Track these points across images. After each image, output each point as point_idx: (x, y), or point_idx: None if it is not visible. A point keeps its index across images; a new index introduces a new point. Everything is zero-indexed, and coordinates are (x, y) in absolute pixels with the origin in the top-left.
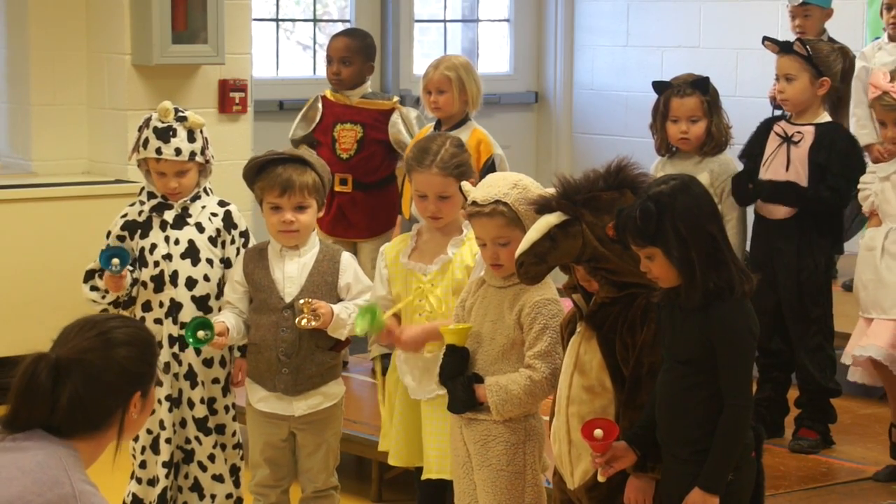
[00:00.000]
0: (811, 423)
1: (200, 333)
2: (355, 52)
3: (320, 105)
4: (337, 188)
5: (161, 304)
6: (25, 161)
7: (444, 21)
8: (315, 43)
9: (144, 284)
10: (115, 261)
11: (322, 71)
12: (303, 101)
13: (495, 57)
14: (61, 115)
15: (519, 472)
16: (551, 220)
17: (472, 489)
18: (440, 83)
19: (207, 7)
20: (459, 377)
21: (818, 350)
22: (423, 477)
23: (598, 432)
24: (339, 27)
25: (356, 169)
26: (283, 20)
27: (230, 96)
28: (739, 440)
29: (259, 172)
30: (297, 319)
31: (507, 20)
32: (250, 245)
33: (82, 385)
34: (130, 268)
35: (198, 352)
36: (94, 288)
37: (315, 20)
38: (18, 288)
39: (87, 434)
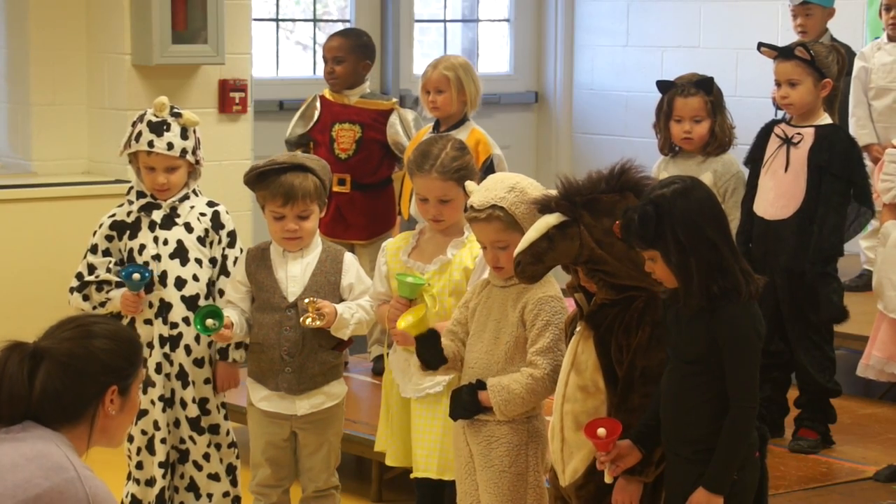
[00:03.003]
0: (811, 423)
1: (209, 322)
2: (348, 51)
3: (318, 104)
4: (335, 188)
5: (151, 305)
6: (25, 161)
7: (444, 21)
8: (315, 43)
9: None
10: (136, 275)
11: (322, 71)
12: (303, 101)
13: (495, 57)
14: (61, 115)
15: (521, 474)
16: (550, 220)
17: (475, 490)
18: (438, 83)
19: (207, 7)
20: (464, 385)
21: (818, 350)
22: (412, 476)
23: (601, 431)
24: (339, 27)
25: (355, 169)
26: (283, 20)
27: (230, 96)
28: (745, 441)
29: (260, 180)
30: (301, 319)
31: (507, 20)
32: (236, 246)
33: (55, 372)
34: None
35: (197, 339)
36: (86, 297)
37: (315, 20)
38: (18, 288)
39: (68, 424)
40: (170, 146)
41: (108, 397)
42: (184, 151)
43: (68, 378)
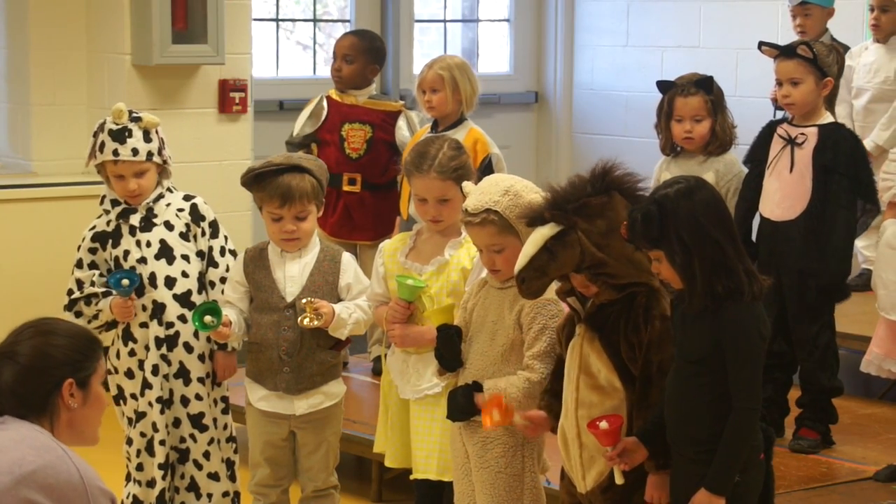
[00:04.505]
0: (812, 423)
1: (207, 318)
2: (359, 52)
3: (325, 104)
4: (345, 188)
5: (144, 308)
6: (25, 161)
7: (444, 21)
8: (315, 43)
9: None
10: (125, 281)
11: (322, 71)
12: (303, 101)
13: (495, 57)
14: (61, 115)
15: (517, 475)
16: (546, 231)
17: (472, 491)
18: (433, 82)
19: (207, 7)
20: (460, 387)
21: (824, 350)
22: (412, 477)
23: (603, 424)
24: (339, 27)
25: (366, 169)
26: (283, 20)
27: (230, 96)
28: (746, 442)
29: (257, 181)
30: (299, 319)
31: (507, 20)
32: (219, 235)
33: (8, 371)
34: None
35: (196, 335)
36: (78, 314)
37: (315, 20)
38: (19, 288)
39: (33, 418)
40: (135, 152)
41: (67, 390)
42: (150, 154)
43: (21, 374)
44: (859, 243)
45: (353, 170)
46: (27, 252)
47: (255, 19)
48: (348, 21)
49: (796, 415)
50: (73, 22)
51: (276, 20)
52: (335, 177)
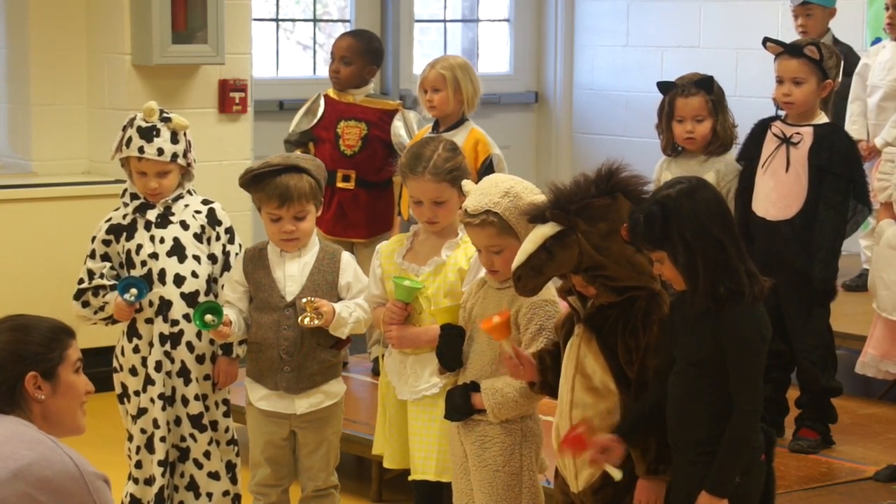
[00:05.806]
0: (812, 423)
1: (208, 317)
2: (357, 53)
3: (322, 102)
4: (340, 185)
5: (151, 303)
6: (25, 161)
7: (444, 21)
8: (315, 43)
9: None
10: (133, 291)
11: (322, 71)
12: (303, 101)
13: (495, 57)
14: (61, 115)
15: (515, 474)
16: (546, 231)
17: (470, 490)
18: (435, 81)
19: (207, 7)
20: (457, 387)
21: (822, 350)
22: (410, 478)
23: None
24: (339, 27)
25: (360, 166)
26: (283, 20)
27: (230, 96)
28: (748, 444)
29: (255, 182)
30: (299, 318)
31: (507, 20)
32: (235, 241)
33: None
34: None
35: (199, 335)
36: (85, 304)
37: (315, 20)
38: (18, 288)
39: (8, 412)
40: (160, 152)
41: (30, 383)
42: (174, 156)
43: None
44: (863, 243)
45: (347, 166)
46: (27, 252)
47: (255, 19)
48: (348, 21)
49: (796, 415)
50: (73, 22)
51: (276, 20)
52: (330, 173)
